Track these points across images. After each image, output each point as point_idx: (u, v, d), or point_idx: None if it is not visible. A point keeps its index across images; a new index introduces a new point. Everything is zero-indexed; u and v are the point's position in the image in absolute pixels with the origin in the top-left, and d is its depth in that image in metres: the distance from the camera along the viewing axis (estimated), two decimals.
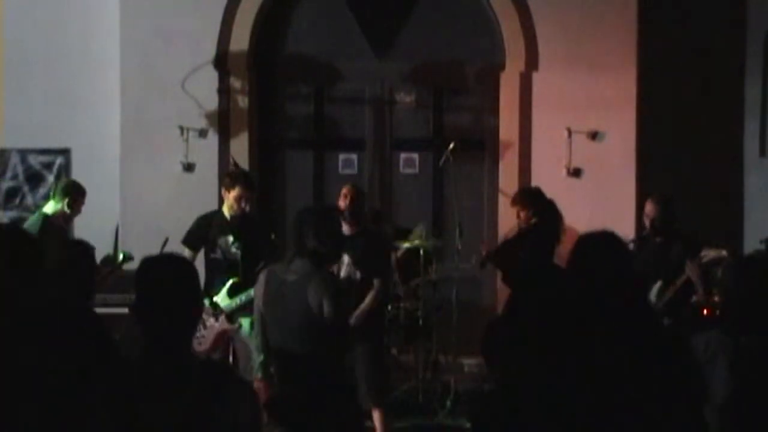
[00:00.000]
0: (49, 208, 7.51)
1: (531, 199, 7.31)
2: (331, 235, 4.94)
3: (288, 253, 4.94)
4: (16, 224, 7.71)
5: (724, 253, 6.48)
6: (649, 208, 6.98)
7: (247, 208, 6.79)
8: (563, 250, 7.46)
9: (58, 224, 7.43)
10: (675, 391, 3.02)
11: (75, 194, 7.53)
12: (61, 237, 7.20)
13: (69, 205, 7.46)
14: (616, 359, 2.98)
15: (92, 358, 3.42)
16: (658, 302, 6.44)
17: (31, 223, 7.44)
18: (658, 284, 6.54)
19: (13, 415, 3.23)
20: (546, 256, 7.11)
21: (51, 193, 7.80)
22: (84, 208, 9.28)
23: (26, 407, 3.24)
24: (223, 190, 6.94)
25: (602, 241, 3.37)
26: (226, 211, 6.84)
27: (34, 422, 3.23)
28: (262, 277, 5.00)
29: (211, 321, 6.64)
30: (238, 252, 6.73)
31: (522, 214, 7.23)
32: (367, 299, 6.43)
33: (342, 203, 6.60)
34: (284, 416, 4.78)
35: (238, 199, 6.72)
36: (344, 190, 6.71)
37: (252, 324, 5.81)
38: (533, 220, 7.13)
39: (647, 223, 6.90)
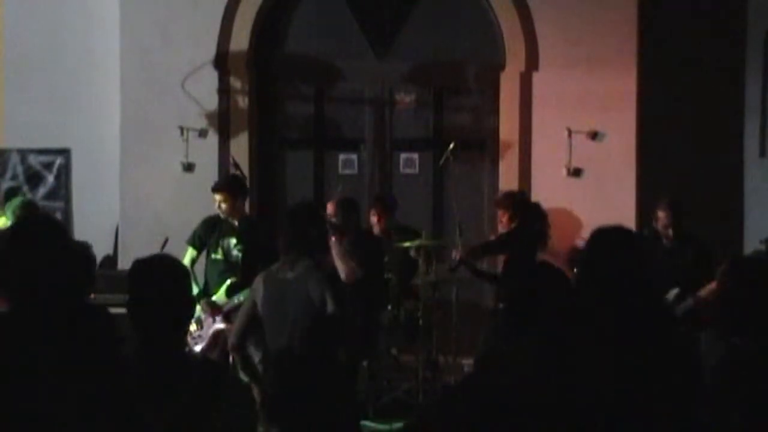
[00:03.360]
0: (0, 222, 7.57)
1: (511, 202, 7.31)
2: (323, 226, 5.17)
3: (287, 257, 4.95)
4: None
5: None
6: (662, 214, 7.00)
7: (225, 210, 6.83)
8: (556, 250, 7.48)
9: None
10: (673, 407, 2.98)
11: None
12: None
13: None
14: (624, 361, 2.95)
15: (93, 355, 3.41)
16: (677, 309, 6.41)
17: None
18: (676, 290, 6.52)
19: (13, 413, 3.23)
20: (526, 259, 7.11)
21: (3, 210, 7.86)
22: (84, 208, 9.28)
23: (26, 405, 3.24)
24: None
25: (617, 236, 3.33)
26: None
27: (33, 421, 3.24)
28: (259, 279, 5.01)
29: (209, 321, 6.66)
30: (239, 254, 6.80)
31: (504, 218, 7.25)
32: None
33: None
34: (281, 416, 4.78)
35: (218, 202, 6.82)
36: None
37: None
38: (513, 224, 7.13)
39: (666, 230, 6.92)
